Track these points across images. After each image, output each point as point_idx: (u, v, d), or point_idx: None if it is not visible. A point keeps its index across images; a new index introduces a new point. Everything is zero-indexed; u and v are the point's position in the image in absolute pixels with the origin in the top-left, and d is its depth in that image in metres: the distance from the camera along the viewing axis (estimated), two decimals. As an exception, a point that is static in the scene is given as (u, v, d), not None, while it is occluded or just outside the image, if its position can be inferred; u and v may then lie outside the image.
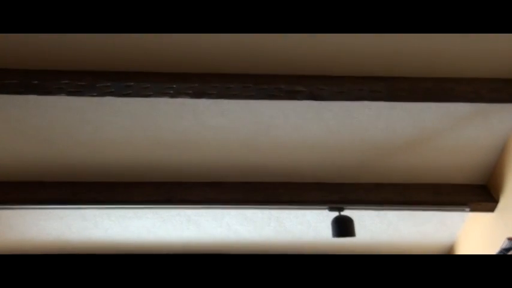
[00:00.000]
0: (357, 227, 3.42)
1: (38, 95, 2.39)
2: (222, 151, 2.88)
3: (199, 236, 3.52)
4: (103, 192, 2.99)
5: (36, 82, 2.30)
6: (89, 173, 2.96)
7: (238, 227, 3.46)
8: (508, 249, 2.55)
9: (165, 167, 2.95)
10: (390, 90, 2.43)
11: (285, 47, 2.30)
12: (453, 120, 2.76)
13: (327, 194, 3.07)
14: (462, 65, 2.42)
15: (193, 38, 2.24)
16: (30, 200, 3.01)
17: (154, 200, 3.01)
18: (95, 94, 2.36)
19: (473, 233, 3.30)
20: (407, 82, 2.44)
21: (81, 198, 2.98)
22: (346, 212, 3.11)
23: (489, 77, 2.46)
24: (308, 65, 2.37)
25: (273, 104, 2.61)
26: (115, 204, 3.01)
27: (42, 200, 3.00)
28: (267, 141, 2.83)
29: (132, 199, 3.00)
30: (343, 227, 3.04)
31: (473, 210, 3.06)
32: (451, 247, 3.61)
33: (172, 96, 2.38)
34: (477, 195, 3.07)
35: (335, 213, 3.10)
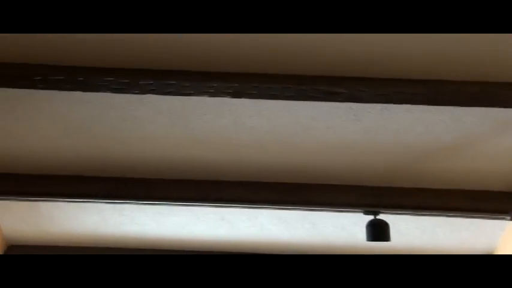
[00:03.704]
0: (392, 232, 3.37)
1: (82, 92, 2.44)
2: (258, 151, 2.88)
3: (233, 235, 3.54)
4: (141, 188, 3.04)
5: (81, 79, 2.35)
6: (127, 169, 3.02)
7: (271, 227, 3.46)
8: (551, 260, 2.47)
9: (202, 165, 2.97)
10: (432, 94, 2.39)
11: (327, 48, 2.28)
12: (495, 126, 2.70)
13: (362, 197, 3.05)
14: (508, 69, 2.36)
15: (235, 37, 2.26)
16: (71, 193, 3.09)
17: (190, 198, 3.05)
18: (137, 91, 2.40)
19: (513, 242, 3.22)
20: (450, 86, 2.39)
21: (119, 194, 3.04)
22: (382, 216, 3.08)
23: (536, 82, 2.39)
24: (349, 66, 2.35)
25: (312, 105, 2.60)
26: (152, 200, 3.06)
27: (82, 194, 3.08)
28: (304, 142, 2.83)
29: (168, 196, 3.04)
30: (378, 231, 3.01)
31: (514, 218, 2.99)
32: (489, 256, 3.53)
33: (212, 95, 2.40)
34: (519, 203, 3.00)
35: (370, 217, 3.07)
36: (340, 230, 3.44)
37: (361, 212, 3.06)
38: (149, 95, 2.42)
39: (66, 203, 3.34)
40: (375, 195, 3.04)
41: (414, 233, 3.40)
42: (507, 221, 3.15)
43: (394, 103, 2.43)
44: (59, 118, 2.77)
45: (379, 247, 3.54)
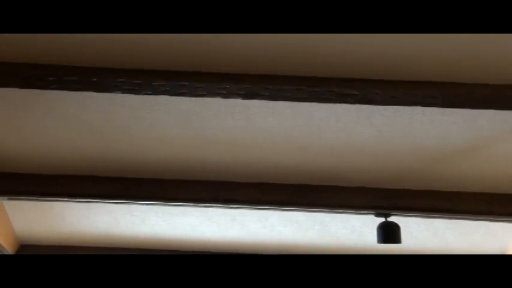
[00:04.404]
0: (402, 234, 3.36)
1: (95, 92, 2.46)
2: (270, 152, 2.88)
3: (243, 236, 3.54)
4: (152, 189, 3.05)
5: (94, 79, 2.36)
6: (139, 169, 3.03)
7: (282, 228, 3.46)
8: None
9: (213, 166, 2.98)
10: (445, 96, 2.37)
11: (339, 50, 2.28)
12: (507, 128, 2.68)
13: (373, 199, 3.04)
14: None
15: (247, 38, 2.26)
16: (82, 193, 3.10)
17: (201, 199, 3.06)
18: (150, 92, 2.41)
19: (525, 246, 3.20)
20: (463, 88, 2.38)
21: (130, 194, 3.05)
22: (393, 219, 3.07)
23: (550, 85, 2.37)
24: (362, 68, 2.34)
25: (324, 107, 2.60)
26: (163, 201, 3.07)
27: (93, 194, 3.09)
28: (316, 144, 2.82)
29: (180, 197, 3.05)
30: (389, 233, 3.00)
31: (526, 221, 2.97)
32: (500, 259, 3.51)
33: (225, 96, 2.40)
34: (531, 206, 2.97)
35: (381, 219, 3.06)
36: (350, 232, 3.43)
37: (372, 214, 3.05)
38: (162, 96, 2.43)
39: (77, 203, 3.36)
40: (386, 197, 3.03)
41: (425, 235, 3.39)
42: (519, 224, 3.14)
43: (407, 105, 2.42)
44: (71, 118, 2.79)
45: (389, 249, 3.53)
